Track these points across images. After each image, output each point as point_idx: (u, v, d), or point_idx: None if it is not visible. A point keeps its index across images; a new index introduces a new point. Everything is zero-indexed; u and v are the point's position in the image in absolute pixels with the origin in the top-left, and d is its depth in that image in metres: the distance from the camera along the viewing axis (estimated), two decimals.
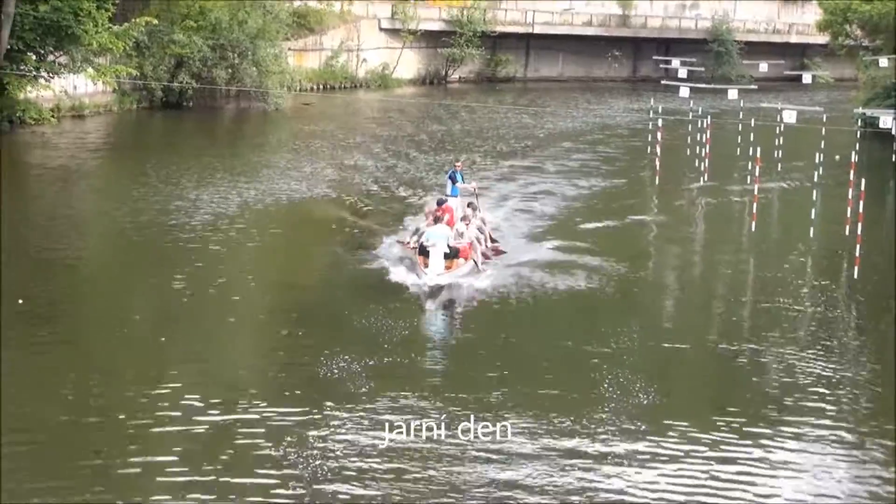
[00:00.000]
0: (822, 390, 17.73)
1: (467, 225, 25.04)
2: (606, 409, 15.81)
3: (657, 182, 38.24)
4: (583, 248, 27.72)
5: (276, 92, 56.81)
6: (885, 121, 35.30)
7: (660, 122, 41.54)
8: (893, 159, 38.49)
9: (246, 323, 21.22)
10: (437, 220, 24.25)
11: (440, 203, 26.12)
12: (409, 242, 25.52)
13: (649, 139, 42.61)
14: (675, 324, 22.74)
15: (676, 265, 27.43)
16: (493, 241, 27.26)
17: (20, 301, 21.75)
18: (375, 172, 40.34)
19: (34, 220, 31.30)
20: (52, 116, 47.89)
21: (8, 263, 25.06)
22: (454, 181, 28.19)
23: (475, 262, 24.17)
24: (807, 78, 64.82)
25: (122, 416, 15.98)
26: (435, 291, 22.51)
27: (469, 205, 27.25)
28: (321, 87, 69.49)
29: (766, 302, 23.75)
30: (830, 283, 25.73)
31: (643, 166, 41.59)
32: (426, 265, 22.97)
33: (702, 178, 38.05)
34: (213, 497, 12.77)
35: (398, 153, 45.43)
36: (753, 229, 30.37)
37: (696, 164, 39.24)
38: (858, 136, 39.74)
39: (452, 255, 23.37)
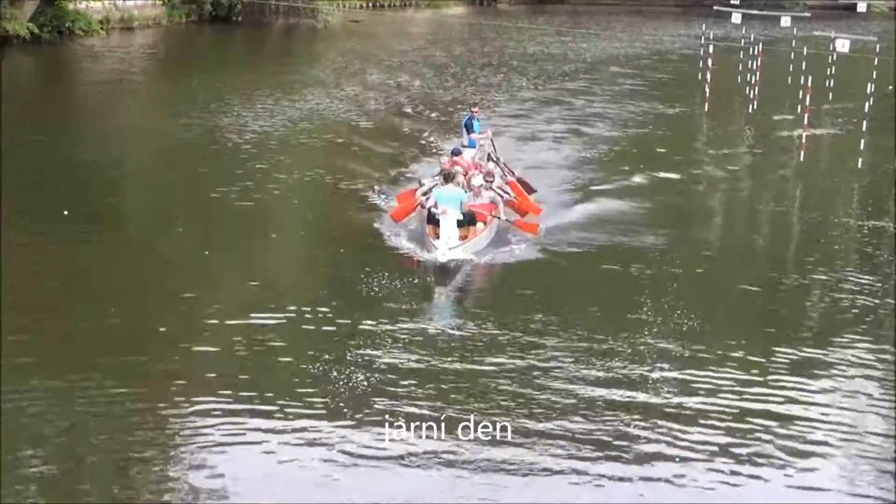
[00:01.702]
0: (864, 327, 17.60)
1: (490, 183, 20.77)
2: (618, 411, 13.60)
3: (706, 109, 37.70)
4: (626, 189, 25.62)
5: (325, 8, 56.47)
6: None
7: (710, 49, 41.03)
8: None
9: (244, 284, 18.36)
10: (447, 177, 19.76)
11: (455, 153, 22.43)
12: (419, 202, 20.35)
13: (700, 65, 42.01)
14: (718, 263, 21.14)
15: (723, 196, 27.02)
16: (522, 183, 23.05)
17: (66, 212, 21.87)
18: (417, 95, 40.05)
19: (82, 134, 31.35)
20: (101, 28, 47.94)
21: (54, 176, 25.14)
22: (470, 130, 24.14)
23: (498, 218, 19.98)
24: (861, 6, 63.46)
25: (161, 329, 16.13)
26: (445, 271, 18.02)
27: (489, 157, 23.23)
28: (371, 4, 68.92)
29: (813, 232, 23.48)
30: (877, 215, 25.47)
31: (692, 93, 41.00)
32: (436, 236, 18.37)
33: (751, 107, 37.42)
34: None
35: (443, 75, 45.11)
36: (802, 158, 30.01)
37: (747, 91, 38.59)
38: None
39: (468, 221, 18.91)
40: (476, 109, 25.38)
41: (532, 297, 17.42)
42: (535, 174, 26.31)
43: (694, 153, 31.70)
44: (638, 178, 26.88)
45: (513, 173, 23.39)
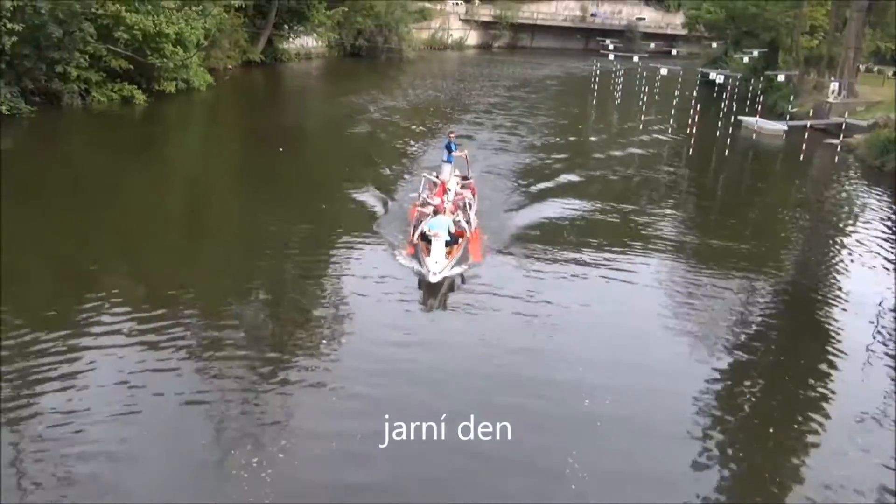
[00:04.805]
0: (666, 227, 17.30)
1: (468, 215, 14.57)
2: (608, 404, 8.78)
3: (594, 102, 37.30)
4: (553, 167, 21.31)
5: (406, 49, 55.64)
6: (713, 75, 34.50)
7: (598, 72, 40.39)
8: (714, 95, 37.14)
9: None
10: (436, 213, 13.62)
11: (438, 171, 16.62)
12: (412, 240, 13.48)
13: (591, 80, 41.31)
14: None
15: (597, 147, 26.78)
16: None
17: (280, 149, 21.95)
18: (448, 93, 39.51)
19: (286, 111, 31.34)
20: (295, 57, 47.34)
21: (274, 132, 25.27)
22: (449, 150, 17.16)
23: (465, 249, 13.38)
24: (674, 52, 62.01)
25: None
26: (436, 287, 11.97)
27: (464, 178, 16.82)
28: (429, 47, 67.31)
29: (642, 167, 23.46)
30: (677, 158, 25.43)
31: (588, 92, 40.33)
32: (428, 252, 12.64)
33: (616, 101, 37.03)
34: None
35: (463, 83, 44.46)
36: (641, 127, 29.75)
37: (615, 94, 38.15)
38: (698, 82, 38.31)
39: (453, 241, 13.08)
40: (453, 135, 17.84)
41: (512, 298, 11.73)
42: (497, 148, 24.50)
43: (585, 127, 31.39)
44: (558, 142, 26.32)
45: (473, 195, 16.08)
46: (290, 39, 46.27)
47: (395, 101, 34.32)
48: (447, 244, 12.93)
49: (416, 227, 13.81)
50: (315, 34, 47.30)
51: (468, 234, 13.88)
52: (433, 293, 11.87)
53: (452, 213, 13.90)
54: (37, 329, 9.75)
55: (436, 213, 13.68)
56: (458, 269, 12.76)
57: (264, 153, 21.69)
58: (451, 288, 12.19)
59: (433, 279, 12.12)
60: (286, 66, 45.20)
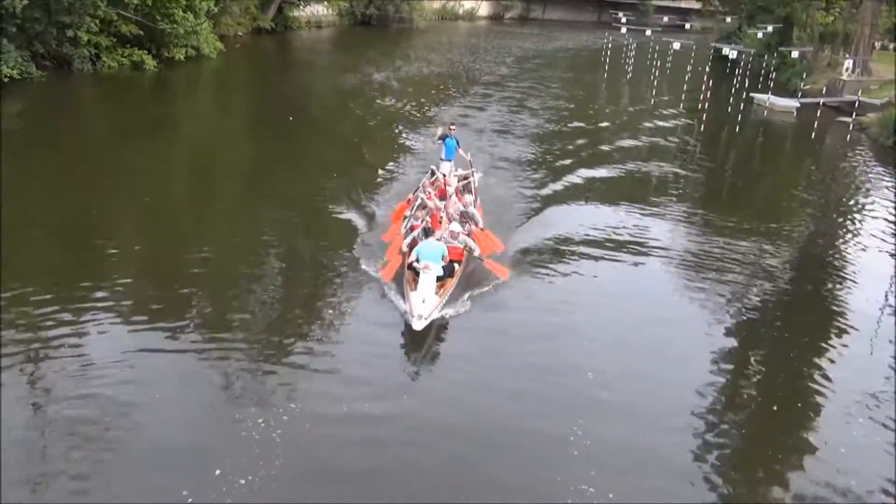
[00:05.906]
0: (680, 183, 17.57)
1: (464, 226, 11.64)
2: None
3: (605, 76, 36.88)
4: (564, 160, 19.05)
5: (417, 19, 55.14)
6: (726, 50, 34.12)
7: (609, 45, 39.97)
8: (726, 71, 36.66)
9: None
10: (426, 231, 11.08)
11: (433, 174, 14.10)
12: (401, 243, 10.93)
13: (603, 53, 40.89)
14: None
15: (612, 119, 26.46)
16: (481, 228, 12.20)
17: (290, 118, 21.86)
18: (456, 63, 39.05)
19: (294, 80, 31.16)
20: (305, 26, 46.98)
21: (283, 99, 25.15)
22: (446, 145, 14.86)
23: (473, 253, 11.00)
24: (687, 26, 61.45)
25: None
26: (423, 335, 9.21)
27: (465, 185, 13.95)
28: (440, 18, 66.58)
29: (652, 145, 23.15)
30: (687, 132, 25.18)
31: (599, 66, 39.91)
32: (415, 283, 9.83)
33: (628, 75, 36.62)
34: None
35: (473, 53, 44.05)
36: (652, 103, 29.44)
37: (626, 68, 37.72)
38: (711, 57, 37.88)
39: (447, 273, 10.22)
40: (453, 128, 15.31)
41: (507, 333, 9.66)
42: (508, 123, 24.06)
43: (594, 103, 30.92)
44: (565, 119, 25.55)
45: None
46: (301, 7, 45.85)
47: (404, 72, 34.05)
48: (439, 278, 10.04)
49: (404, 234, 11.12)
50: (326, 2, 46.92)
51: (472, 251, 11.00)
52: (418, 342, 9.14)
53: (451, 223, 11.35)
54: (40, 294, 9.58)
55: (426, 233, 10.59)
56: (449, 310, 9.86)
57: (273, 122, 21.61)
58: (443, 327, 9.62)
59: (417, 325, 9.13)
60: (296, 34, 44.86)
